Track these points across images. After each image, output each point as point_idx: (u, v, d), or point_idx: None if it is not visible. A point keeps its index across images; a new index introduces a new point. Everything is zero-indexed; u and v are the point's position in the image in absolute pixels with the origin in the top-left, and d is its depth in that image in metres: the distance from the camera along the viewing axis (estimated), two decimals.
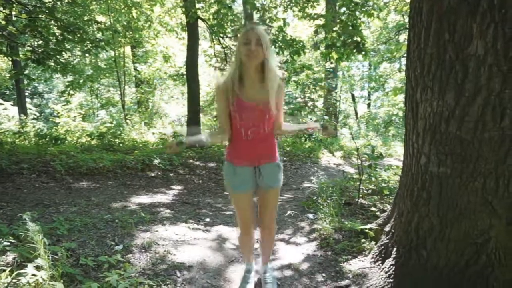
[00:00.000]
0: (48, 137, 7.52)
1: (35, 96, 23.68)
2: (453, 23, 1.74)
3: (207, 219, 3.65)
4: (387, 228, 2.50)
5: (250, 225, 2.19)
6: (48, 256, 1.97)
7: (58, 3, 6.85)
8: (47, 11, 5.36)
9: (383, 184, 4.29)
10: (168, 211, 3.80)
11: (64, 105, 10.25)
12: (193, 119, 8.55)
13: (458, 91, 1.78)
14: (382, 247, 2.43)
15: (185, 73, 9.49)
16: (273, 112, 1.95)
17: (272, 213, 2.20)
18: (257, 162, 2.04)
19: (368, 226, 2.78)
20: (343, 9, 6.85)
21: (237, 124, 1.95)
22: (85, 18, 8.78)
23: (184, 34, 10.28)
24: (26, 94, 16.81)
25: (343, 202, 3.79)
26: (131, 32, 11.49)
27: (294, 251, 2.82)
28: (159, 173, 5.55)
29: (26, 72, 10.93)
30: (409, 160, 2.19)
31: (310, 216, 3.56)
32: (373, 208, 3.54)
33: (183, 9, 7.41)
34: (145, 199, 4.28)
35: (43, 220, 3.02)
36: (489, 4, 1.62)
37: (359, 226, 2.82)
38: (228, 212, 3.94)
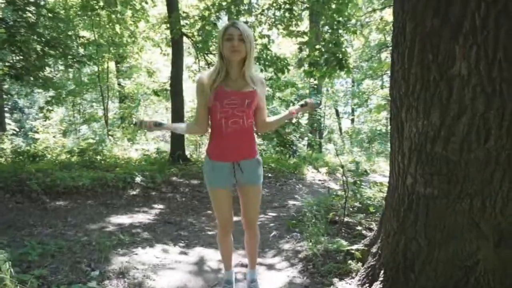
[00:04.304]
0: (25, 154, 7.26)
1: (15, 111, 23.08)
2: (437, 44, 1.74)
3: (189, 241, 3.52)
4: (374, 249, 2.45)
5: (228, 224, 2.15)
6: (16, 286, 1.83)
7: (41, 18, 6.74)
8: (27, 26, 5.23)
9: (368, 202, 4.26)
10: (148, 232, 3.66)
11: (44, 121, 9.99)
12: (176, 135, 8.44)
13: (443, 111, 1.77)
14: (369, 269, 2.37)
15: (169, 88, 9.41)
16: (255, 101, 1.95)
17: (255, 212, 2.17)
18: (236, 157, 2.00)
19: (355, 246, 2.72)
20: (326, 27, 6.97)
21: (217, 114, 1.92)
22: (69, 33, 8.65)
23: (169, 50, 10.25)
24: (6, 109, 16.34)
25: (328, 220, 3.74)
26: (115, 48, 11.40)
27: (277, 275, 2.72)
28: (141, 191, 5.39)
29: (6, 86, 10.66)
30: (395, 180, 2.16)
31: (295, 236, 3.47)
32: (358, 227, 3.49)
33: (167, 25, 7.39)
34: (125, 219, 4.13)
35: (15, 245, 2.85)
36: (472, 26, 1.62)
37: (345, 247, 2.76)
38: (210, 233, 3.82)
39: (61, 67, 11.05)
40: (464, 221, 1.82)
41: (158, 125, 1.92)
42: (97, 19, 10.34)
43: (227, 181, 2.03)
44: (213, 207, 2.13)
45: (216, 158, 2.01)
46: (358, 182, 4.89)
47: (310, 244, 3.05)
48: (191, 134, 2.25)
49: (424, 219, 1.94)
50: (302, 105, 2.12)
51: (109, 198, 4.94)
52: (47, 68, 6.85)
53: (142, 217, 4.25)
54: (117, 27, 10.48)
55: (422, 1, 1.77)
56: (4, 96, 10.20)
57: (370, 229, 3.71)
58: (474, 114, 1.69)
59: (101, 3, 9.11)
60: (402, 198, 2.07)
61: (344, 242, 3.14)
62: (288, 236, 3.51)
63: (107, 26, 10.68)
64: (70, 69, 6.22)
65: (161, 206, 4.86)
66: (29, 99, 22.91)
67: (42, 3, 6.10)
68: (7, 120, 13.39)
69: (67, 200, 4.62)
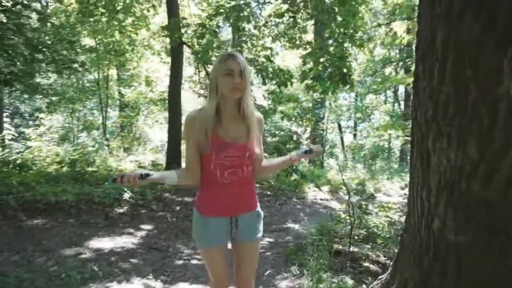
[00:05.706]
0: (11, 164, 6.88)
1: (15, 116, 22.79)
2: (477, 57, 1.38)
3: (174, 273, 3.10)
4: None
5: (225, 284, 1.81)
6: None
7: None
8: (14, 29, 4.94)
9: (375, 230, 3.87)
10: (129, 260, 3.26)
11: (35, 128, 9.64)
12: (172, 147, 8.11)
13: (483, 141, 1.40)
14: None
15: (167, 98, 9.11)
16: (255, 151, 1.65)
17: (251, 269, 1.82)
18: (234, 211, 1.68)
19: None
20: (331, 40, 6.66)
21: (211, 164, 1.60)
22: (68, 39, 8.37)
23: (169, 59, 9.98)
24: (7, 113, 15.96)
25: (332, 251, 3.35)
26: (114, 55, 11.15)
27: None
28: (129, 209, 4.99)
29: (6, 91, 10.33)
30: (417, 221, 1.78)
31: (293, 271, 3.06)
32: (366, 263, 3.09)
33: (166, 32, 7.11)
34: (106, 242, 3.74)
35: None
36: None
37: None
38: (200, 262, 3.42)
39: (53, 73, 10.75)
40: (508, 279, 1.45)
41: (144, 178, 1.49)
42: (98, 26, 10.11)
43: (222, 238, 1.70)
44: (207, 267, 1.79)
45: (209, 213, 1.66)
46: (364, 206, 4.52)
47: (311, 282, 2.66)
48: (184, 184, 1.92)
49: (455, 273, 1.56)
50: (306, 152, 1.82)
51: (93, 216, 4.55)
52: (39, 73, 6.52)
53: (125, 241, 3.85)
54: (117, 34, 10.23)
55: (458, 2, 1.43)
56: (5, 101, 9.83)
57: (378, 263, 3.33)
58: None
59: (101, 9, 8.89)
60: (426, 244, 1.69)
61: (350, 281, 2.77)
62: (285, 271, 3.11)
63: (107, 33, 10.45)
64: (60, 75, 5.90)
65: (149, 227, 4.47)
66: (31, 105, 22.65)
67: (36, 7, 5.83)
68: (6, 125, 13.01)
69: (47, 218, 4.23)
